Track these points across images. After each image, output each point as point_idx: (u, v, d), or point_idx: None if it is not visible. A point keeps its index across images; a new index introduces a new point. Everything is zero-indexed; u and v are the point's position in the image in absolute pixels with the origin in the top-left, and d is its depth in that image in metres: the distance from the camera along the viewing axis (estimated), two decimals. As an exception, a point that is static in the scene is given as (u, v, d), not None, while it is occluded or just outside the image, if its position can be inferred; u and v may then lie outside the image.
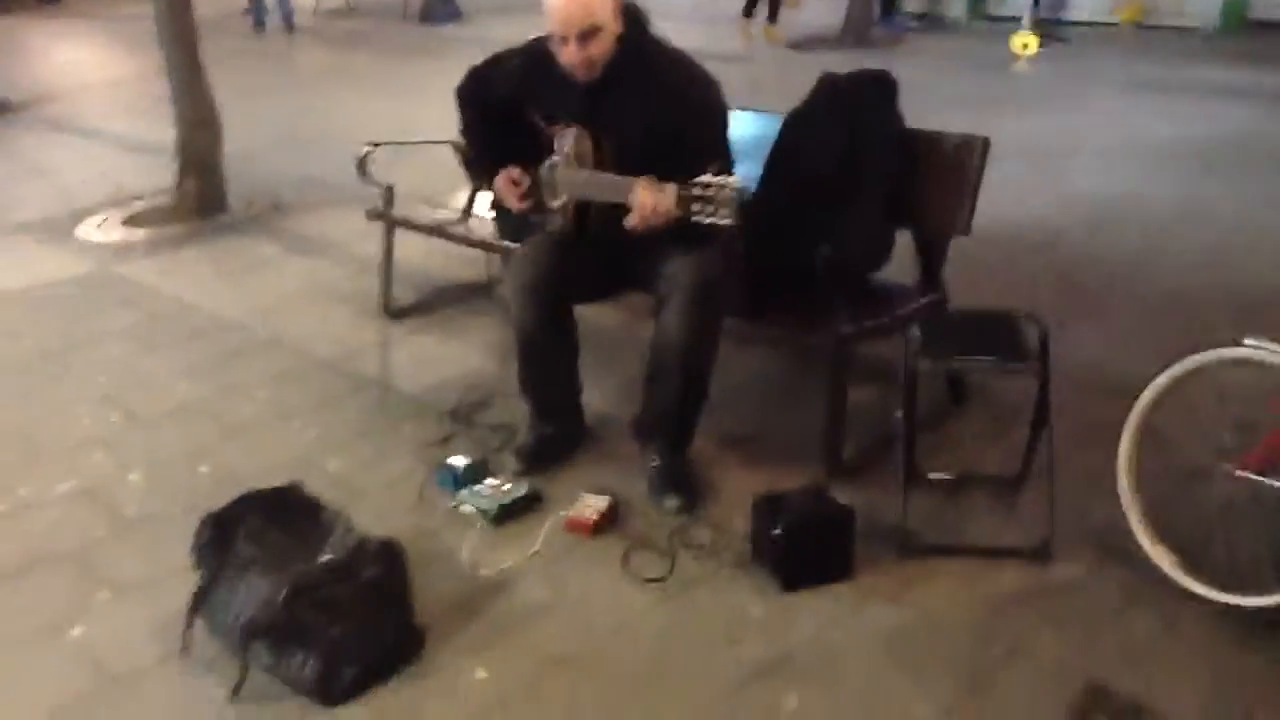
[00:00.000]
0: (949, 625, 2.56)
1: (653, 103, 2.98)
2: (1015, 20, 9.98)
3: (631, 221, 2.87)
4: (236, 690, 2.40)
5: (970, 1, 11.44)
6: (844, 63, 3.69)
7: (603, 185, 3.01)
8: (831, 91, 3.41)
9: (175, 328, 4.59)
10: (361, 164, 4.41)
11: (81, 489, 3.36)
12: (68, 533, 3.13)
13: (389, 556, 2.48)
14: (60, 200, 6.65)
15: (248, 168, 6.47)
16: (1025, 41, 9.29)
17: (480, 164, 3.40)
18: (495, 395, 3.76)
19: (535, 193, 3.24)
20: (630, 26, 3.00)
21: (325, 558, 2.45)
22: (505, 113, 3.27)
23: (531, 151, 3.23)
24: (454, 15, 13.41)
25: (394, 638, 2.47)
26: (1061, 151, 6.90)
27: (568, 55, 2.97)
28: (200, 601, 2.50)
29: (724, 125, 3.06)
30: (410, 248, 4.72)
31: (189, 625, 2.53)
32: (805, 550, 2.68)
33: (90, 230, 5.97)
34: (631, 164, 2.93)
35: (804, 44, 10.29)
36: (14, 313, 4.89)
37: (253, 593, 2.41)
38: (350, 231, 5.71)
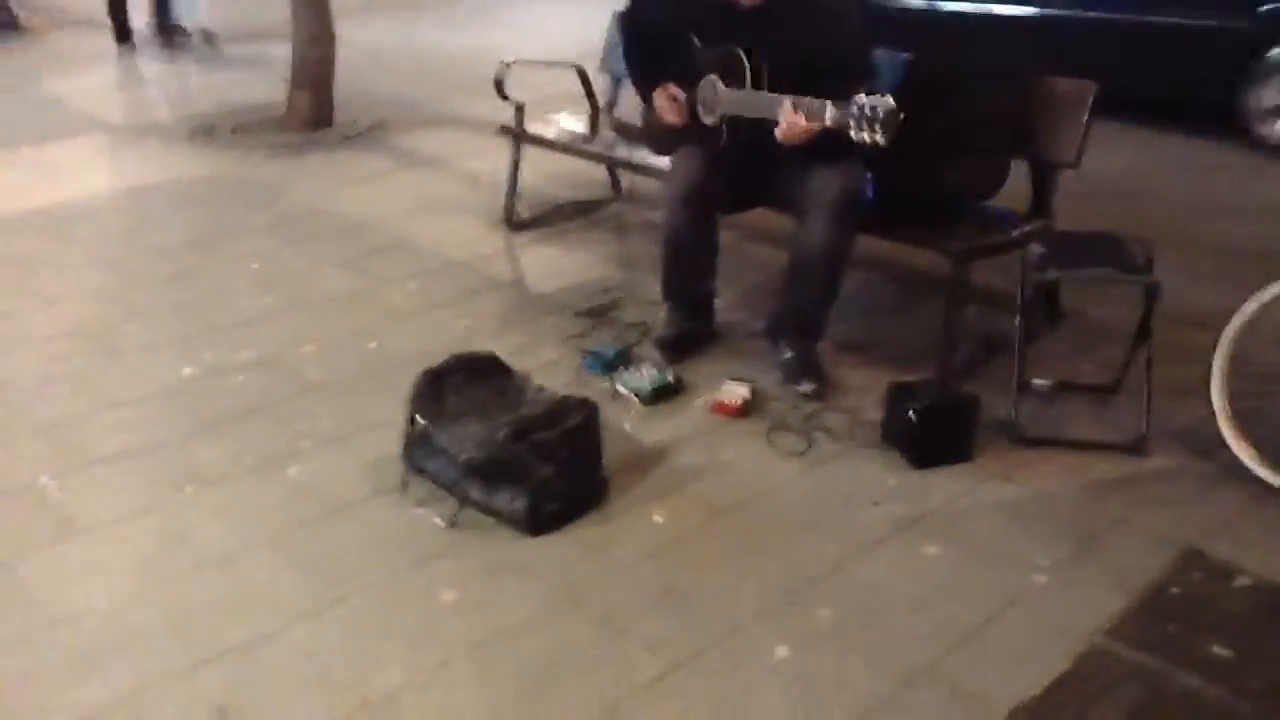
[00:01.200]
0: (1059, 500, 2.95)
1: (807, 28, 3.32)
2: None
3: (779, 135, 3.23)
4: (454, 519, 2.80)
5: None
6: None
7: (756, 103, 3.35)
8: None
9: (311, 226, 4.96)
10: (499, 83, 4.74)
11: (261, 358, 3.75)
12: (259, 392, 3.52)
13: (587, 410, 2.87)
14: (170, 109, 7.03)
15: (344, 87, 6.76)
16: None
17: (641, 82, 3.74)
18: (626, 297, 4.13)
19: (691, 109, 3.59)
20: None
21: (532, 410, 2.83)
22: (664, 36, 3.61)
23: (686, 73, 3.58)
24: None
25: (587, 482, 2.87)
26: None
27: (734, -16, 3.31)
28: (423, 442, 2.89)
29: (870, 51, 3.39)
30: (526, 166, 5.04)
31: (409, 465, 2.93)
32: (935, 432, 3.06)
33: (206, 136, 6.32)
34: (787, 85, 3.27)
35: None
36: (155, 204, 5.28)
37: (470, 436, 2.80)
38: (456, 149, 6.09)
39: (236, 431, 3.29)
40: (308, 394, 3.51)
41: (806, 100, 3.16)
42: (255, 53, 8.39)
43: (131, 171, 5.76)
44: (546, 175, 5.40)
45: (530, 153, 4.95)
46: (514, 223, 4.92)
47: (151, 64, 8.53)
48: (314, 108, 6.40)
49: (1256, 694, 2.26)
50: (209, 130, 6.40)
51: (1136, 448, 3.14)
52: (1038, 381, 3.47)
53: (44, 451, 3.18)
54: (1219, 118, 6.20)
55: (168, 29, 8.88)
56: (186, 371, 3.65)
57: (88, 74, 8.15)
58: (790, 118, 3.19)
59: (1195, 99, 6.32)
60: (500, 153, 5.08)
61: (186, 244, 4.77)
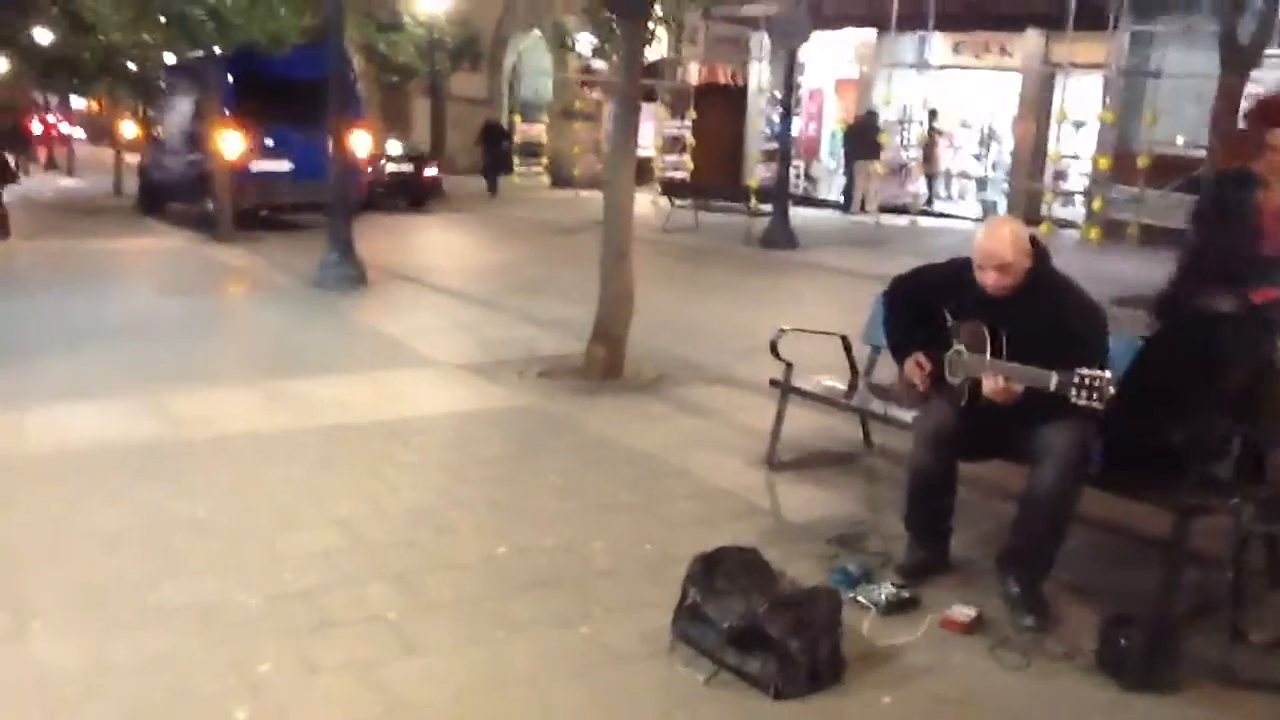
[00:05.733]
0: (1265, 734, 3.22)
1: (1045, 313, 3.95)
2: None
3: (986, 390, 3.89)
4: (711, 678, 3.37)
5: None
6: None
7: (983, 366, 3.98)
8: (1194, 320, 4.28)
9: (602, 451, 5.81)
10: (774, 345, 5.55)
11: (560, 545, 4.51)
12: (558, 571, 4.26)
13: (832, 598, 3.43)
14: (484, 351, 8.25)
15: (634, 344, 7.77)
16: None
17: (897, 348, 4.43)
18: (871, 532, 4.67)
19: (937, 373, 4.23)
20: (1037, 259, 4.02)
21: (786, 592, 3.41)
22: (921, 308, 4.32)
23: (937, 340, 4.25)
24: (791, 243, 14.96)
25: (829, 659, 3.38)
26: None
27: (984, 277, 4.03)
28: (692, 613, 3.51)
29: (1103, 338, 3.98)
30: (790, 420, 5.75)
31: (676, 632, 3.55)
32: (1144, 657, 3.41)
33: (518, 377, 7.43)
34: (1022, 355, 3.90)
35: (1130, 301, 10.95)
36: (476, 426, 6.29)
37: (733, 609, 3.40)
38: (727, 403, 6.90)
39: (541, 597, 4.01)
40: (597, 577, 4.21)
41: (1033, 370, 3.77)
42: (543, 313, 9.74)
43: (456, 399, 6.86)
44: (807, 429, 6.10)
45: (796, 411, 5.69)
46: (775, 464, 5.60)
47: (466, 310, 10.02)
48: (608, 359, 7.41)
49: None
50: (520, 372, 7.51)
51: (1349, 700, 3.37)
52: (1257, 637, 3.75)
53: (391, 594, 4.00)
54: None
55: None
56: (501, 550, 4.44)
57: (417, 318, 9.65)
58: (994, 381, 3.82)
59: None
60: (766, 408, 5.84)
61: (501, 457, 5.70)
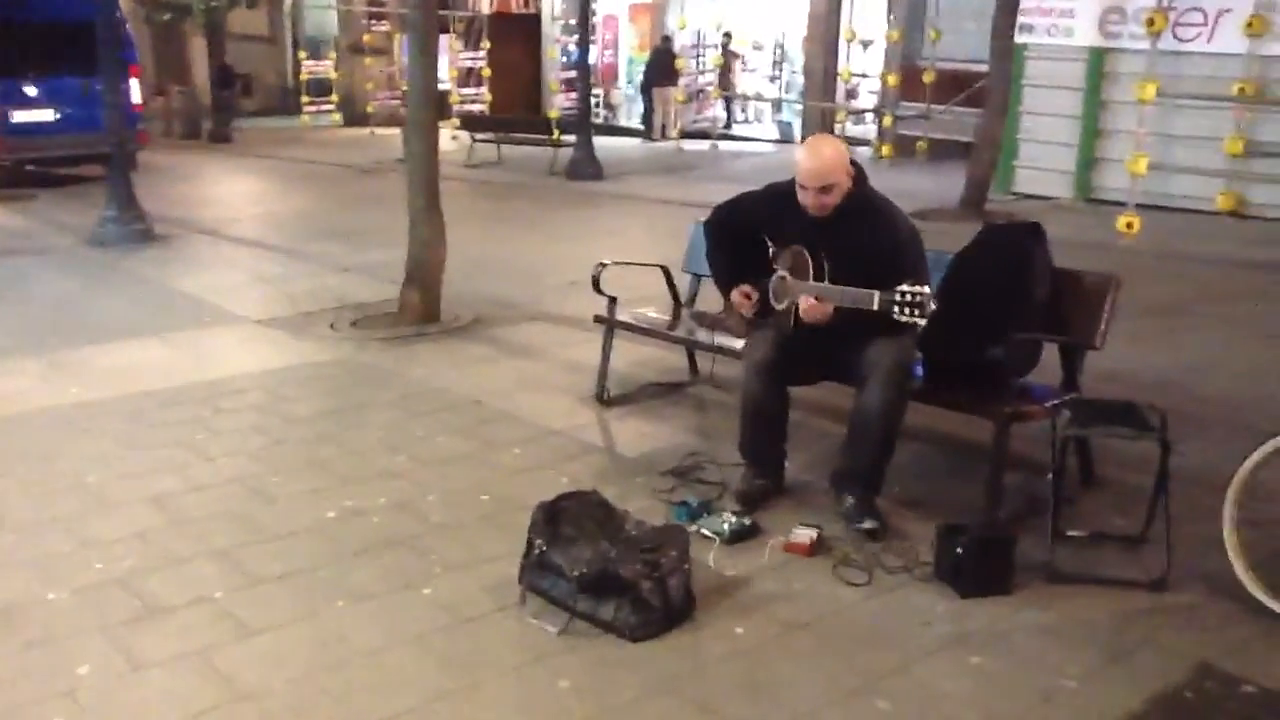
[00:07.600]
0: (1089, 624, 3.39)
1: (866, 234, 4.00)
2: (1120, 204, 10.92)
3: (801, 313, 3.95)
4: (565, 628, 3.32)
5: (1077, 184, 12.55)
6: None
7: (805, 290, 4.01)
8: (995, 235, 4.40)
9: (427, 402, 5.63)
10: (595, 279, 5.47)
11: (394, 503, 4.34)
12: (394, 530, 4.10)
13: (681, 537, 3.41)
14: (291, 303, 7.87)
15: (449, 287, 7.56)
16: (1129, 221, 10.23)
17: (721, 280, 4.41)
18: (707, 462, 4.68)
19: (763, 301, 4.24)
20: (856, 179, 4.05)
21: (634, 536, 3.37)
22: (743, 237, 4.31)
23: (761, 267, 4.25)
24: (597, 173, 14.85)
25: (680, 598, 3.37)
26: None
27: (807, 199, 4.03)
28: (540, 563, 3.43)
29: (920, 254, 4.05)
30: (615, 354, 5.70)
31: (525, 584, 3.47)
32: (978, 565, 3.54)
33: (326, 328, 7.12)
34: (844, 277, 3.93)
35: (927, 214, 11.30)
36: (287, 384, 5.99)
37: (581, 556, 3.34)
38: (549, 341, 6.81)
39: (378, 560, 3.86)
40: (435, 532, 4.08)
41: (855, 290, 3.81)
42: (349, 260, 9.38)
43: (267, 357, 6.52)
44: (632, 361, 6.07)
45: (619, 344, 5.64)
46: (605, 400, 5.56)
47: (266, 261, 9.55)
48: (424, 304, 7.19)
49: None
50: (332, 324, 7.20)
51: (1159, 585, 3.58)
52: (1073, 532, 3.94)
53: (218, 572, 3.77)
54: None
55: None
56: (330, 514, 4.25)
57: (214, 273, 9.14)
58: (806, 302, 3.87)
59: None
60: (589, 344, 5.78)
61: (320, 414, 5.45)
